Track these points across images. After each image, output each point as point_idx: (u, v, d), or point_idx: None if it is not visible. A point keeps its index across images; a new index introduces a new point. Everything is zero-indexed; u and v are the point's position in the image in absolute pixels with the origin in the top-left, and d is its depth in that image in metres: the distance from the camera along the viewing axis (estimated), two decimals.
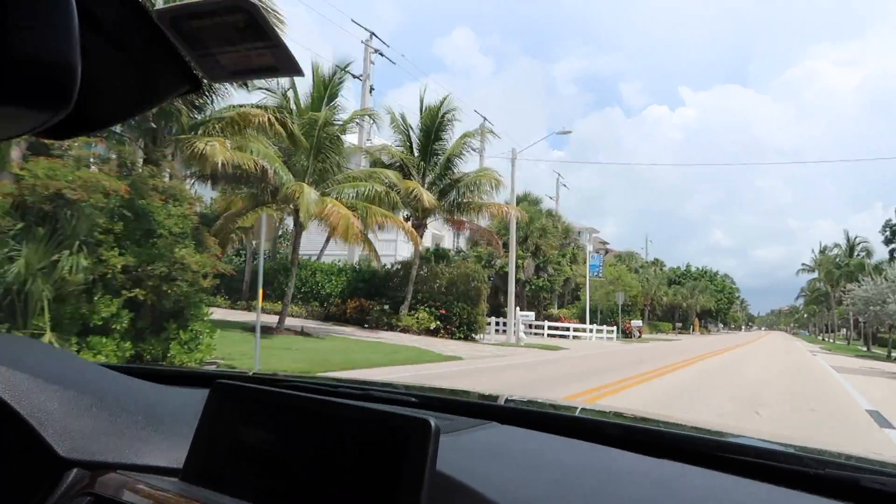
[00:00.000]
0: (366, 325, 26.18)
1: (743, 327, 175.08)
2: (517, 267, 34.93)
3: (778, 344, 52.62)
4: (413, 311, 25.87)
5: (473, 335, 26.52)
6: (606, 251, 72.47)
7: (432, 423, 0.75)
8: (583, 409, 1.51)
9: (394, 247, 48.95)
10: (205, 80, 0.59)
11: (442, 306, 25.86)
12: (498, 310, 38.94)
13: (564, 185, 58.31)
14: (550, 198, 56.41)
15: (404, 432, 0.76)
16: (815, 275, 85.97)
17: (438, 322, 25.65)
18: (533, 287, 35.24)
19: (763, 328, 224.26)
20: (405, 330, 25.31)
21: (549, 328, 36.66)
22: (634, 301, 51.89)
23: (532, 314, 25.74)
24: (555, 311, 48.27)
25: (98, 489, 0.89)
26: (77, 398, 0.98)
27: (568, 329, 37.88)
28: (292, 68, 0.60)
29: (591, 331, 37.71)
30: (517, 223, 36.64)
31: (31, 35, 0.40)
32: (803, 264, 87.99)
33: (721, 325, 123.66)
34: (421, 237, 26.35)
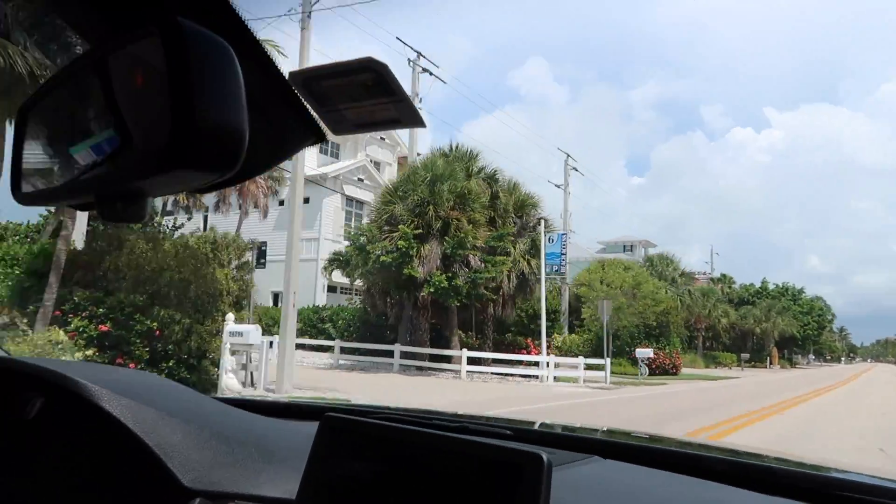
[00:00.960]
0: None
1: (843, 359, 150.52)
2: (409, 257, 20.33)
3: (891, 387, 35.19)
4: (52, 327, 11.93)
5: (202, 373, 12.34)
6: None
7: (545, 458, 0.74)
8: (686, 444, 1.45)
9: (314, 247, 35.06)
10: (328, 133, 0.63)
11: (106, 318, 11.81)
12: (442, 339, 24.27)
13: (576, 170, 43.24)
14: (558, 186, 41.89)
15: (517, 466, 0.75)
16: None
17: (94, 350, 11.62)
18: (435, 288, 20.46)
19: (868, 360, 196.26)
20: None
21: (492, 363, 21.74)
22: (665, 321, 35.92)
23: (251, 328, 11.08)
24: (560, 337, 33.16)
25: None
26: (197, 431, 1.04)
27: (537, 364, 22.98)
28: (415, 121, 0.63)
29: (547, 365, 22.46)
30: (410, 178, 22.17)
31: (213, 106, 0.44)
32: None
33: (812, 357, 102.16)
34: None
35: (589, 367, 23.38)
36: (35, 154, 0.58)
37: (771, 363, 66.06)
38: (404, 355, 22.36)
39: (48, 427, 1.16)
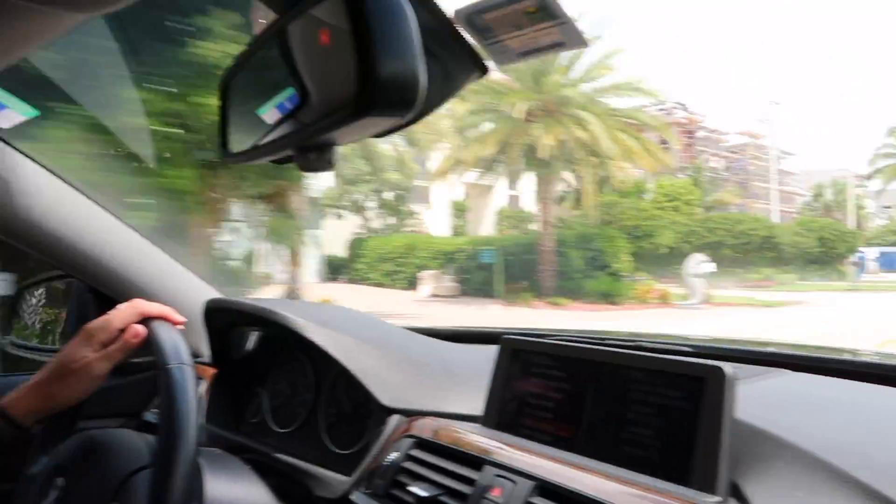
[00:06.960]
0: None
1: None
2: None
3: None
4: None
5: None
6: None
7: (727, 370, 0.75)
8: (886, 355, 1.34)
9: None
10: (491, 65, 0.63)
11: None
12: None
13: None
14: None
15: (699, 380, 0.76)
16: None
17: None
18: None
19: None
20: None
21: None
22: None
23: None
24: None
25: (416, 431, 1.01)
26: (388, 355, 1.16)
27: None
28: (579, 41, 0.62)
29: None
30: None
31: (393, 55, 0.48)
32: None
33: None
34: None
35: None
36: (238, 119, 0.65)
37: None
38: None
39: (265, 357, 1.37)
